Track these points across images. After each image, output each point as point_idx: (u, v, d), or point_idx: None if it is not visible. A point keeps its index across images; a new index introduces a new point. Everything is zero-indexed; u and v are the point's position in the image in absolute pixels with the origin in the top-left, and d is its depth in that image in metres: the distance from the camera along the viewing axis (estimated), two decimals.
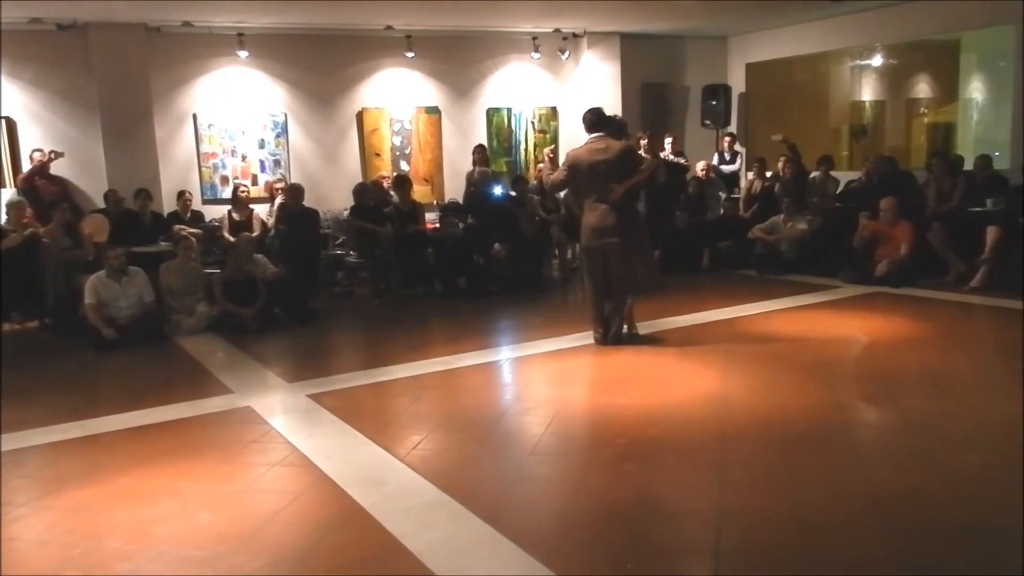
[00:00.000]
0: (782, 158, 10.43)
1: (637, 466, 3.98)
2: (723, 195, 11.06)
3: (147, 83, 9.73)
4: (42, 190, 8.91)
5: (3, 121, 9.26)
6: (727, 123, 12.54)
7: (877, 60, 12.87)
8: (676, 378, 5.46)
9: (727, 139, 11.99)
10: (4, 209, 8.00)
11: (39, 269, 7.82)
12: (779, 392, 5.04)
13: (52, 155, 8.95)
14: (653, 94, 12.55)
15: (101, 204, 9.23)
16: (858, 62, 13.02)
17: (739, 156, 12.02)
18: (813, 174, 10.37)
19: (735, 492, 3.61)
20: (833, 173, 10.44)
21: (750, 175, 11.32)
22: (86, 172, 9.62)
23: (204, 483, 3.96)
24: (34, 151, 9.06)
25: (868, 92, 13.45)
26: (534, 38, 11.53)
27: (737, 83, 12.96)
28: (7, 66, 9.25)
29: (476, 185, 10.39)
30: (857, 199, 9.51)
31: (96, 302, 7.09)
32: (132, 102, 9.63)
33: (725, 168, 11.78)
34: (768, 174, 10.70)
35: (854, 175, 10.49)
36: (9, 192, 8.97)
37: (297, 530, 3.40)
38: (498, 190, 9.94)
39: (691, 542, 3.23)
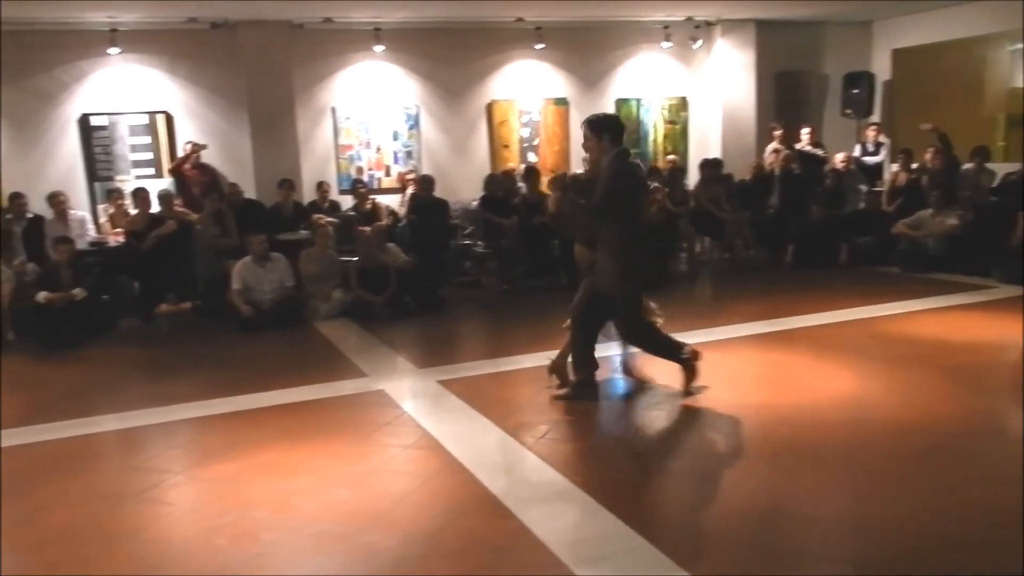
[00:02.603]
0: (931, 149, 9.85)
1: (769, 467, 3.87)
2: (864, 188, 10.54)
3: (290, 78, 10.18)
4: (192, 180, 9.56)
5: (163, 115, 9.93)
6: (870, 112, 11.91)
7: None
8: (808, 378, 5.26)
9: (872, 129, 11.40)
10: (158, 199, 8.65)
11: (191, 254, 8.39)
12: (920, 398, 4.78)
13: (195, 147, 9.57)
14: (789, 83, 12.08)
15: (247, 195, 9.74)
16: (1018, 46, 12.07)
17: (883, 147, 11.41)
18: (966, 166, 9.74)
19: (870, 500, 3.46)
20: (988, 165, 9.77)
21: (894, 167, 10.74)
22: (235, 163, 10.16)
23: (340, 461, 4.14)
24: (187, 143, 9.73)
25: None
26: (665, 27, 11.32)
27: (881, 70, 12.28)
28: (167, 63, 9.90)
29: None
30: (1014, 193, 8.87)
31: (243, 287, 7.54)
32: (276, 96, 10.09)
33: (868, 160, 11.20)
34: (914, 166, 10.10)
35: (1012, 167, 9.80)
36: (167, 182, 9.64)
37: (428, 511, 3.50)
38: None
39: (827, 549, 3.12)
